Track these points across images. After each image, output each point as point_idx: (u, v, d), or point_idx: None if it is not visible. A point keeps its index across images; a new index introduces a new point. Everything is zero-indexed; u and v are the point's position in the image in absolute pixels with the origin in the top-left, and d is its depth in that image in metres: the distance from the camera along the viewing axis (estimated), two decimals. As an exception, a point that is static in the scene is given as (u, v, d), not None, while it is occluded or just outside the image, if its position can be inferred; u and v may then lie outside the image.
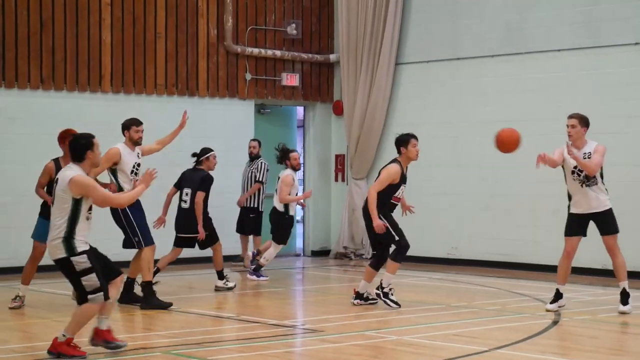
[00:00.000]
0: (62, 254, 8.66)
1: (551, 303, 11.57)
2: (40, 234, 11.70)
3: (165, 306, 11.73)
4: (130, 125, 12.01)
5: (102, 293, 8.73)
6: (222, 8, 17.59)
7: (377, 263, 11.93)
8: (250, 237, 16.48)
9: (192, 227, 13.37)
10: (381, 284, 11.77)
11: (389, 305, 11.67)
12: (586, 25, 15.72)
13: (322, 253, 18.91)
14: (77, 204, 8.66)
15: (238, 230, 16.47)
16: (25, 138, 15.50)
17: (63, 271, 8.79)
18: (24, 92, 15.52)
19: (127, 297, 12.13)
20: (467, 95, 17.19)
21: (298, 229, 19.49)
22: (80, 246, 8.68)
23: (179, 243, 13.52)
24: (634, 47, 15.15)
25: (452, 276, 15.58)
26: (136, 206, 11.76)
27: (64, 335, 8.76)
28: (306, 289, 14.76)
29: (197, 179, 13.41)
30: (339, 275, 16.41)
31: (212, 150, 13.72)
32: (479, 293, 13.56)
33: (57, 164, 11.59)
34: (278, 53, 18.31)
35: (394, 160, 11.80)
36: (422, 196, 16.88)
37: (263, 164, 16.40)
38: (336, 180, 19.17)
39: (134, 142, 11.92)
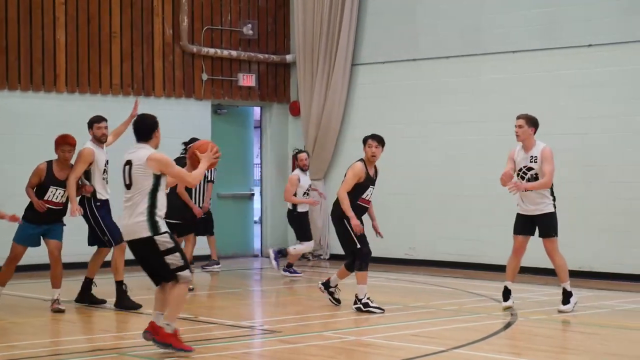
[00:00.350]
0: (146, 233, 8.69)
1: (505, 301, 11.64)
2: (23, 237, 11.57)
3: (136, 307, 11.69)
4: (92, 123, 11.97)
5: (187, 271, 8.79)
6: (177, 7, 17.50)
7: (350, 265, 11.86)
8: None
9: (171, 214, 13.50)
10: (357, 297, 11.58)
11: (373, 313, 11.54)
12: (542, 27, 15.83)
13: (279, 254, 18.83)
14: (157, 180, 8.78)
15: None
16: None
17: (143, 251, 8.79)
18: (-23, 92, 15.37)
19: (84, 297, 12.05)
20: (424, 95, 17.24)
21: (255, 229, 19.45)
22: (162, 226, 8.75)
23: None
24: (588, 48, 15.28)
25: (409, 276, 15.62)
26: (104, 206, 11.77)
27: (168, 325, 8.79)
28: (264, 289, 14.73)
29: None
30: (296, 276, 16.39)
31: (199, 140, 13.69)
32: (436, 293, 13.60)
33: (50, 167, 11.56)
34: (234, 53, 18.25)
35: (359, 160, 11.81)
36: (379, 196, 16.86)
37: None
38: (293, 180, 19.09)
39: (98, 139, 11.84)
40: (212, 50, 17.92)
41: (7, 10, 15.60)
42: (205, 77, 17.92)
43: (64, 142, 11.61)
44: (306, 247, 15.28)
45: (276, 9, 18.95)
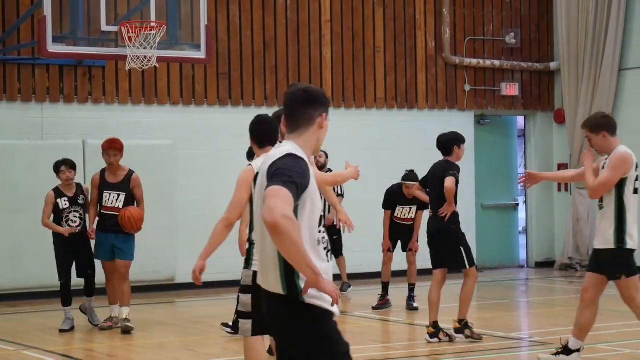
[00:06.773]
0: None
1: None
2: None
3: None
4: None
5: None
6: (439, 20, 17.61)
7: None
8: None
9: None
10: None
11: None
12: None
13: (546, 264, 18.57)
14: None
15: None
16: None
17: None
18: (249, 109, 16.01)
19: None
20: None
21: (521, 240, 19.25)
22: None
23: None
24: None
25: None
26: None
27: None
28: (531, 300, 14.55)
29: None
30: (564, 287, 16.10)
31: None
32: None
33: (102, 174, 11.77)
34: (497, 63, 18.15)
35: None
36: None
37: None
38: (559, 190, 18.77)
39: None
40: (474, 61, 17.91)
41: (276, 31, 16.22)
42: (468, 87, 17.93)
43: (110, 147, 11.67)
44: None
45: (539, 17, 18.69)
